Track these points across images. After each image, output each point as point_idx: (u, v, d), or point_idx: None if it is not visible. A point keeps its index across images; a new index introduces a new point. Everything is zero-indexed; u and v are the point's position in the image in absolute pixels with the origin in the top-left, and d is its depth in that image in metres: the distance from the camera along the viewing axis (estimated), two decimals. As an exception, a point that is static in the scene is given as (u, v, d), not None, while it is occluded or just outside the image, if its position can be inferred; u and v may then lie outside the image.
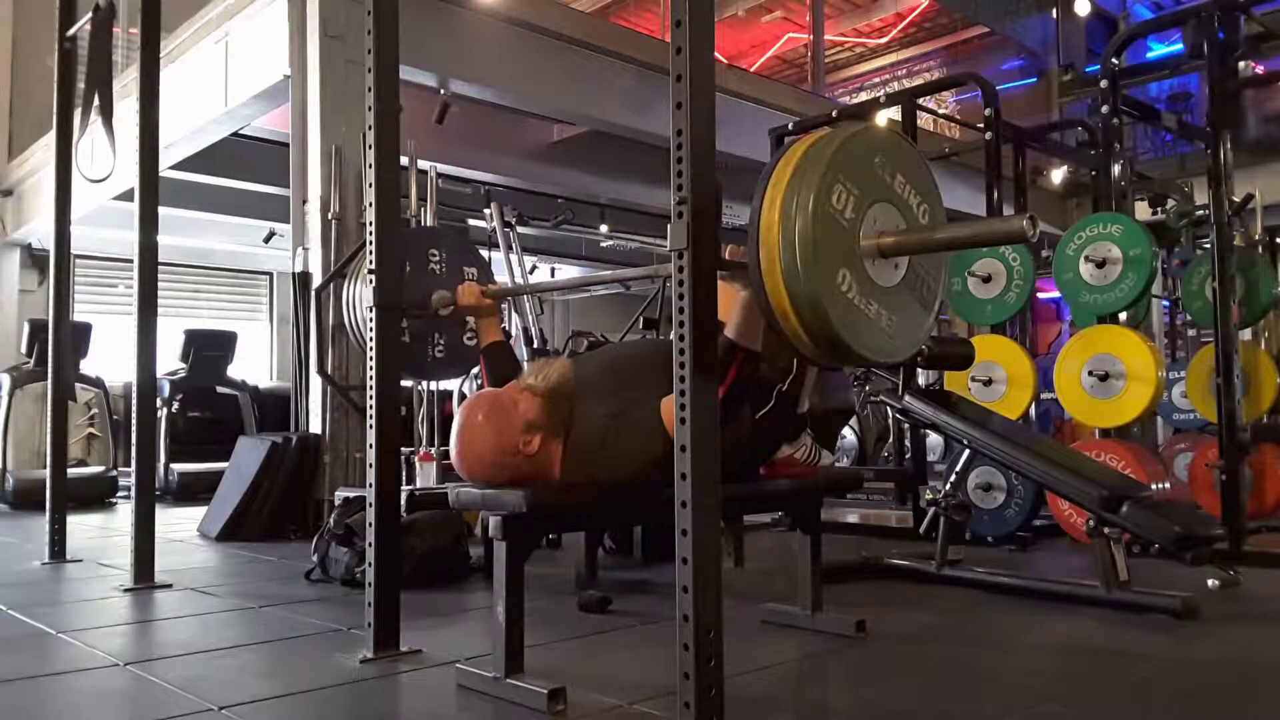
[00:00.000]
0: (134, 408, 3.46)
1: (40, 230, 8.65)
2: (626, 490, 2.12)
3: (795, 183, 1.65)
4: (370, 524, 2.31)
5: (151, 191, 3.54)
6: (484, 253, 5.40)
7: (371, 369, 2.35)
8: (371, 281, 2.36)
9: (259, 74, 5.69)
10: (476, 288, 2.69)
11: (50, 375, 4.14)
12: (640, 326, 5.02)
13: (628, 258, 11.61)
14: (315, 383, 5.02)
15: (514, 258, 5.29)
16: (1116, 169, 4.28)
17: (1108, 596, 2.75)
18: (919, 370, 3.87)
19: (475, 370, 3.96)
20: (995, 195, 4.51)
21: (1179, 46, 4.56)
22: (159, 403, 6.90)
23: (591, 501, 2.18)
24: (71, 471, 4.31)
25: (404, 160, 3.79)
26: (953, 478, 3.41)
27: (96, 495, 7.02)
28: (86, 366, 7.17)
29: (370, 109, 2.38)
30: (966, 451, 3.40)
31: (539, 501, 1.96)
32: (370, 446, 2.33)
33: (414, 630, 2.41)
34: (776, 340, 1.82)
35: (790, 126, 5.37)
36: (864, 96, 16.16)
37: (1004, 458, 3.07)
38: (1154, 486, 3.51)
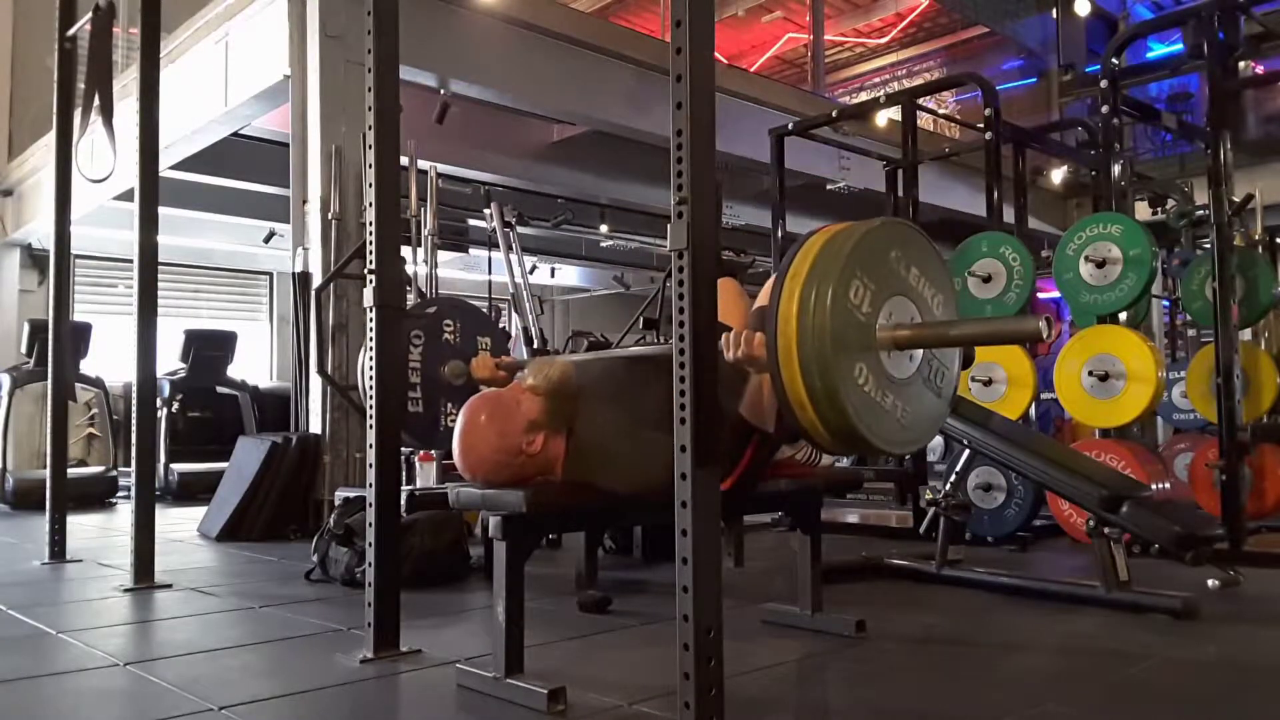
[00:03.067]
0: (134, 408, 3.46)
1: (40, 230, 8.66)
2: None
3: (813, 276, 1.68)
4: (370, 524, 2.31)
5: (151, 191, 3.54)
6: (484, 253, 5.42)
7: (371, 369, 2.35)
8: (371, 282, 2.36)
9: (259, 74, 5.69)
10: (491, 360, 2.69)
11: (50, 375, 4.14)
12: (640, 326, 5.01)
13: (628, 258, 11.62)
14: (315, 383, 5.03)
15: (514, 258, 5.29)
16: (1116, 169, 4.28)
17: (1108, 596, 2.75)
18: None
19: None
20: (995, 195, 4.51)
21: (1179, 46, 4.56)
22: (159, 403, 6.90)
23: (591, 501, 2.18)
24: (71, 471, 4.31)
25: (404, 160, 3.79)
26: (953, 478, 3.41)
27: (96, 495, 7.03)
28: (86, 366, 7.17)
29: (370, 109, 2.38)
30: (966, 451, 3.40)
31: (539, 501, 1.96)
32: (370, 446, 2.33)
33: (414, 630, 2.40)
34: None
35: (790, 126, 5.37)
36: (864, 96, 16.16)
37: (1004, 458, 3.07)
38: (1154, 486, 3.51)
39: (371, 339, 2.37)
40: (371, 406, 2.34)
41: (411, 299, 3.53)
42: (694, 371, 1.60)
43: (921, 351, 1.81)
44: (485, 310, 3.79)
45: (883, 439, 1.73)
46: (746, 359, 1.82)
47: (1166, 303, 5.84)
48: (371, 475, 2.32)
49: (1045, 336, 1.61)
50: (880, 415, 1.72)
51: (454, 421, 3.35)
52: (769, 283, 1.94)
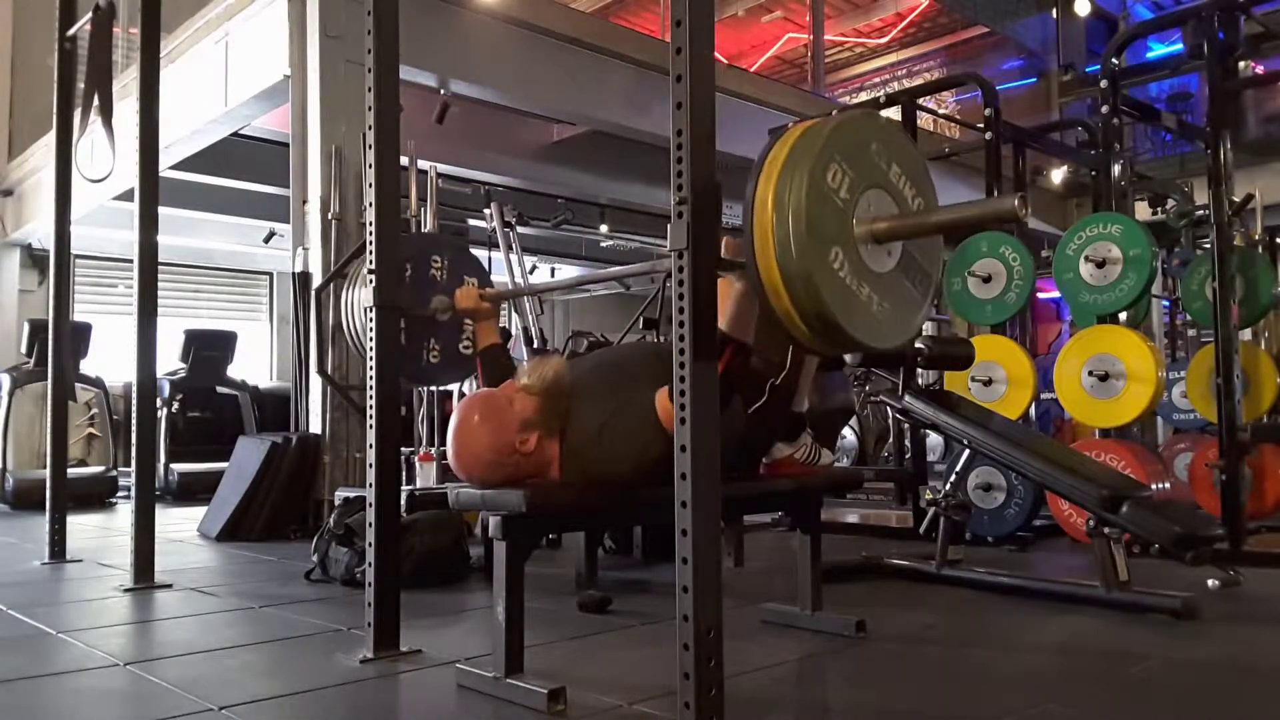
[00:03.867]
0: (134, 408, 3.46)
1: (40, 230, 8.65)
2: (626, 490, 2.12)
3: (791, 160, 1.67)
4: (370, 524, 2.31)
5: (151, 191, 3.54)
6: (484, 253, 5.41)
7: (371, 369, 2.35)
8: (371, 282, 2.36)
9: (259, 74, 5.69)
10: (475, 291, 2.70)
11: (50, 375, 4.14)
12: (640, 326, 5.01)
13: (628, 258, 11.60)
14: (315, 383, 5.03)
15: (514, 258, 5.30)
16: (1116, 169, 4.28)
17: (1108, 596, 2.75)
18: (919, 370, 3.87)
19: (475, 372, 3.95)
20: (995, 195, 4.50)
21: (1179, 46, 4.56)
22: (159, 403, 6.90)
23: (591, 501, 2.18)
24: (71, 471, 4.31)
25: (404, 160, 3.78)
26: (953, 478, 3.41)
27: (96, 495, 7.03)
28: (86, 366, 7.17)
29: (370, 109, 2.38)
30: (966, 451, 3.40)
31: (539, 501, 1.96)
32: (370, 446, 2.33)
33: (414, 630, 2.41)
34: (769, 333, 1.81)
35: (790, 126, 5.37)
36: (864, 96, 16.15)
37: (1004, 458, 3.07)
38: (1154, 486, 3.51)
39: (371, 339, 2.37)
40: (371, 406, 2.34)
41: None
42: (694, 371, 1.60)
43: (901, 247, 1.79)
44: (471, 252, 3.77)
45: (859, 330, 1.70)
46: (720, 265, 1.81)
47: (1166, 303, 5.84)
48: (371, 475, 2.32)
49: (1022, 215, 1.60)
50: (856, 305, 1.70)
51: (436, 358, 3.35)
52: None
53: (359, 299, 3.69)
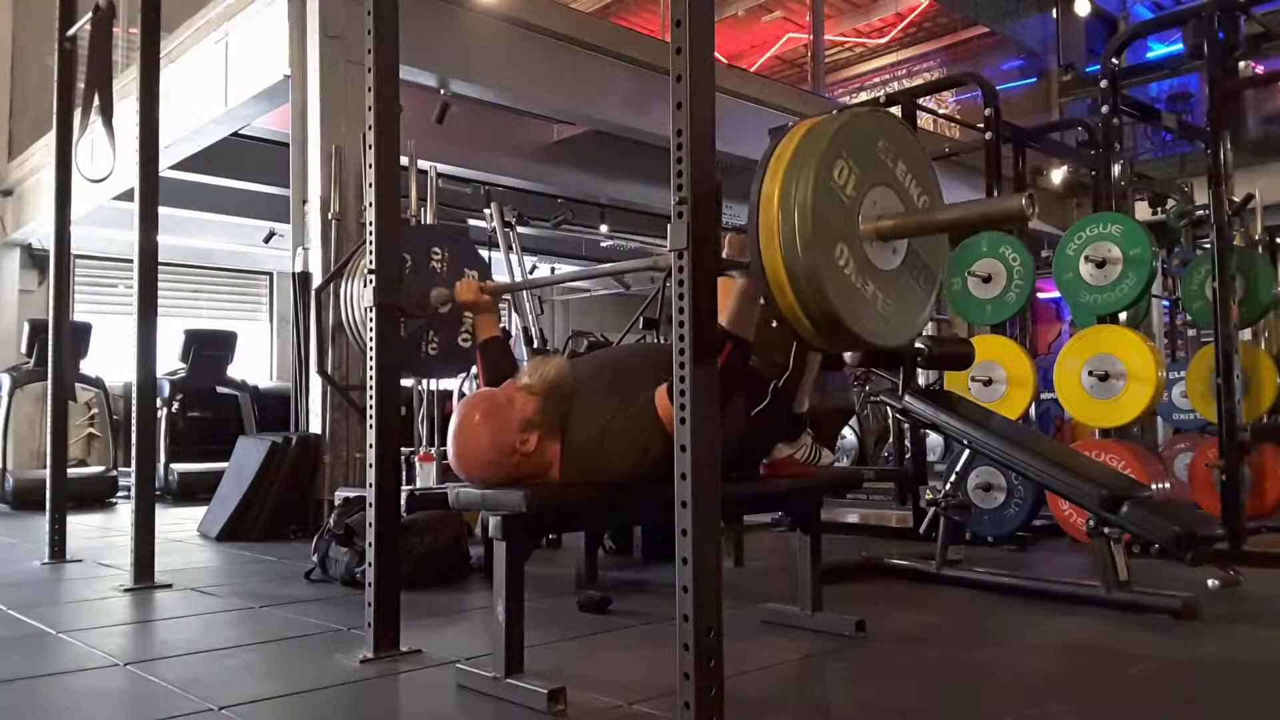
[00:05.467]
0: (134, 408, 3.46)
1: (40, 230, 8.65)
2: (626, 490, 2.12)
3: (798, 156, 1.67)
4: (370, 524, 2.31)
5: (151, 191, 3.54)
6: (484, 253, 5.41)
7: (371, 369, 2.35)
8: (371, 281, 2.36)
9: (259, 74, 5.69)
10: (475, 284, 2.69)
11: (50, 375, 4.14)
12: (640, 326, 5.01)
13: (627, 258, 11.60)
14: (315, 383, 5.03)
15: (514, 258, 5.29)
16: (1116, 169, 4.28)
17: (1108, 596, 2.75)
18: (919, 370, 3.87)
19: (474, 370, 3.96)
20: (995, 195, 4.51)
21: (1179, 46, 4.57)
22: (159, 403, 6.90)
23: (591, 501, 2.18)
24: (71, 471, 4.31)
25: (404, 160, 3.78)
26: (953, 478, 3.41)
27: (96, 495, 7.02)
28: (86, 366, 7.17)
29: (370, 109, 2.38)
30: (966, 451, 3.40)
31: (539, 501, 1.96)
32: (370, 446, 2.33)
33: (414, 630, 2.41)
34: (772, 334, 1.81)
35: (790, 126, 5.36)
36: (864, 96, 16.15)
37: (1004, 458, 3.07)
38: (1154, 486, 3.51)
39: (371, 339, 2.37)
40: (371, 406, 2.34)
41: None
42: (694, 371, 1.60)
43: (906, 245, 1.78)
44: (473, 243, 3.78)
45: (863, 327, 1.70)
46: (725, 263, 1.82)
47: (1166, 303, 5.84)
48: (371, 475, 2.32)
49: (1029, 214, 1.60)
50: (861, 302, 1.69)
51: (435, 350, 3.35)
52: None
53: (358, 292, 3.70)
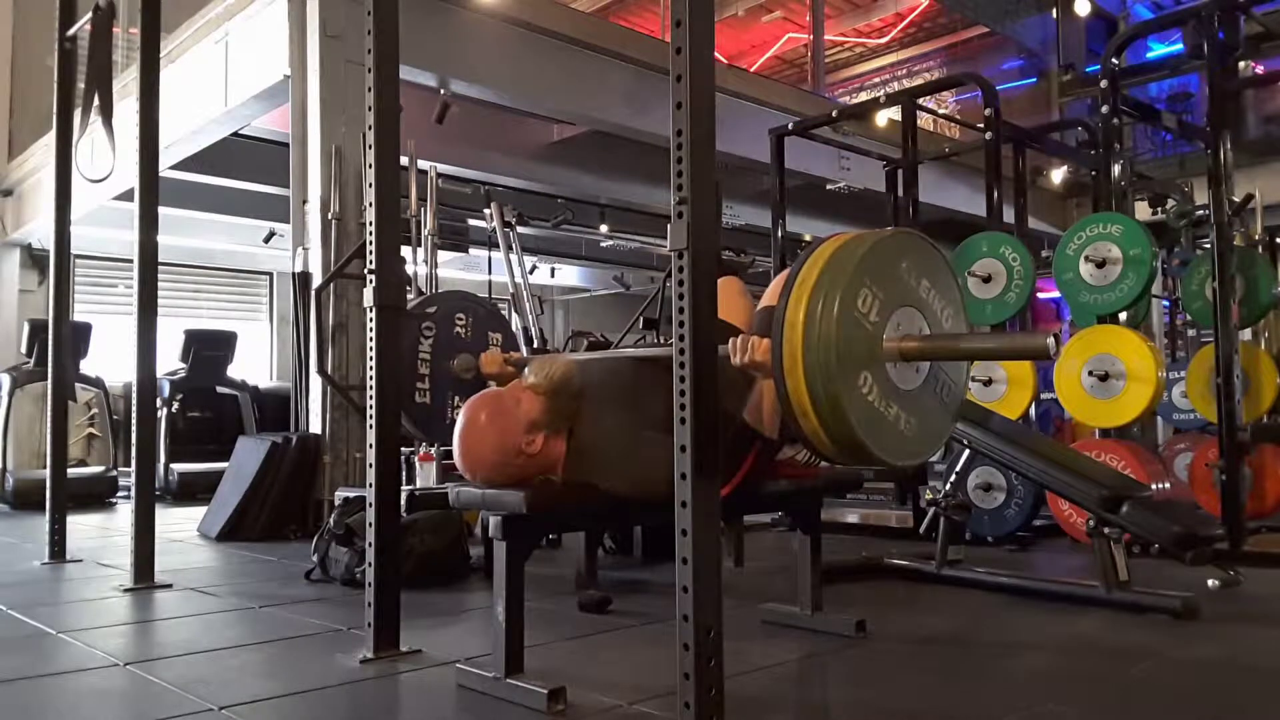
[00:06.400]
0: (134, 408, 3.46)
1: (40, 230, 8.65)
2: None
3: (822, 283, 1.67)
4: (370, 524, 2.31)
5: (151, 191, 3.54)
6: (484, 253, 5.43)
7: (371, 369, 2.35)
8: (371, 281, 2.36)
9: (259, 74, 5.69)
10: (499, 355, 2.69)
11: (50, 375, 4.14)
12: (640, 327, 5.01)
13: (627, 258, 11.61)
14: (315, 383, 5.02)
15: (514, 258, 5.29)
16: (1116, 169, 4.28)
17: (1108, 596, 2.75)
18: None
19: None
20: (995, 195, 4.51)
21: (1179, 46, 4.57)
22: (159, 403, 6.90)
23: (591, 501, 2.18)
24: (71, 471, 4.31)
25: (404, 160, 3.79)
26: (953, 478, 3.41)
27: (96, 495, 7.02)
28: (86, 366, 7.17)
29: (370, 109, 2.38)
30: (966, 451, 3.40)
31: (539, 501, 1.96)
32: (370, 446, 2.33)
33: (414, 630, 2.41)
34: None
35: (790, 126, 5.37)
36: (864, 96, 16.16)
37: (1004, 458, 3.07)
38: (1154, 486, 3.50)
39: (371, 339, 2.36)
40: (371, 406, 2.34)
41: (411, 299, 3.53)
42: (694, 372, 1.60)
43: (929, 364, 1.79)
44: (498, 308, 3.77)
45: (885, 450, 1.71)
46: (752, 365, 1.82)
47: (1166, 303, 5.84)
48: (371, 475, 2.32)
49: (1052, 355, 1.61)
50: (884, 426, 1.71)
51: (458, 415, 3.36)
52: (775, 282, 1.94)
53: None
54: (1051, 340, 1.61)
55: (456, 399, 3.32)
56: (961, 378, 1.89)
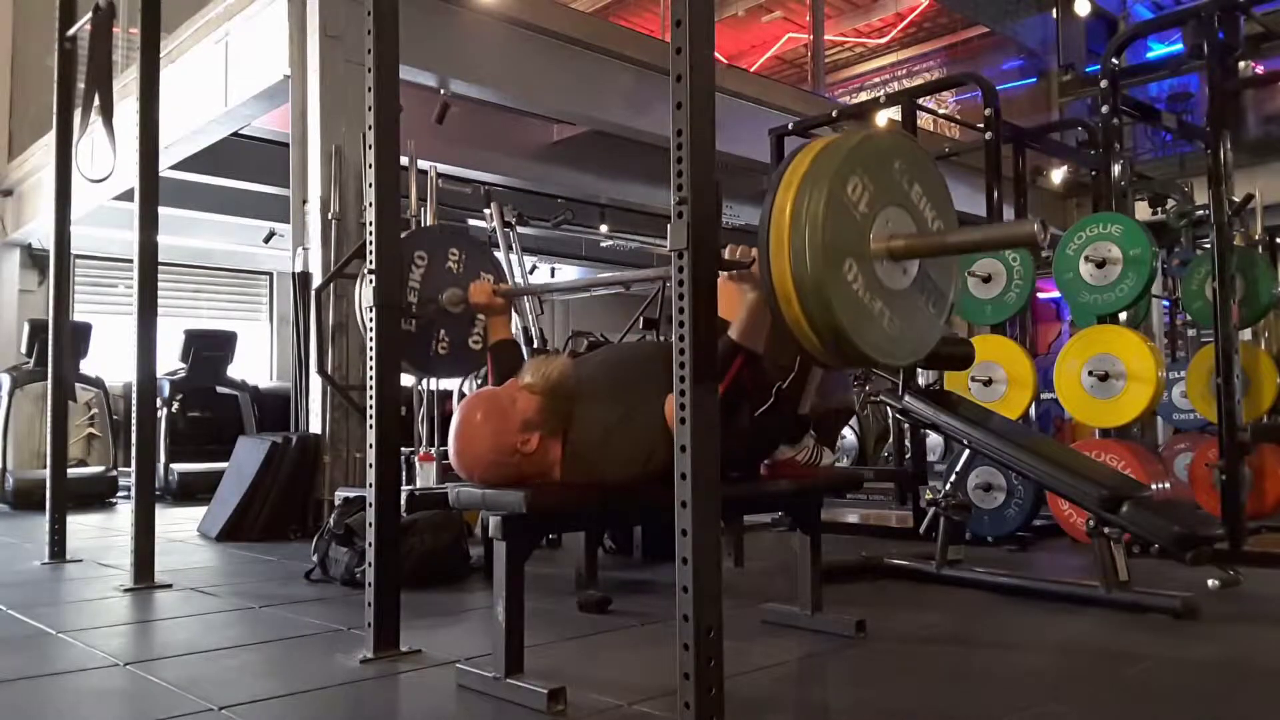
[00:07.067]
0: (134, 408, 3.46)
1: (40, 230, 8.65)
2: (626, 490, 2.12)
3: (813, 170, 1.67)
4: (370, 524, 2.31)
5: (151, 191, 3.54)
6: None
7: (371, 369, 2.35)
8: (371, 281, 2.36)
9: (259, 74, 5.69)
10: (489, 286, 2.71)
11: (50, 375, 4.14)
12: (640, 326, 5.01)
13: (628, 258, 11.61)
14: (315, 383, 5.02)
15: (514, 258, 5.29)
16: (1116, 169, 4.28)
17: (1108, 596, 2.75)
18: (919, 370, 3.87)
19: (481, 371, 3.95)
20: (995, 195, 4.51)
21: (1179, 46, 4.57)
22: (159, 403, 6.90)
23: (591, 501, 2.18)
24: (71, 471, 4.31)
25: (404, 160, 3.78)
26: (953, 478, 3.42)
27: (96, 495, 7.02)
28: (86, 366, 7.17)
29: (370, 109, 2.38)
30: (966, 451, 3.40)
31: (539, 501, 1.96)
32: (370, 446, 2.33)
33: (414, 630, 2.41)
34: (779, 338, 1.81)
35: (790, 126, 5.37)
36: (864, 96, 16.14)
37: (1004, 458, 3.07)
38: (1154, 486, 3.51)
39: (371, 339, 2.36)
40: (371, 406, 2.34)
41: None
42: (694, 372, 1.60)
43: (918, 266, 1.78)
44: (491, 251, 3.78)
45: (868, 344, 1.70)
46: (741, 274, 1.85)
47: (1166, 303, 5.84)
48: (371, 475, 2.32)
49: (1041, 240, 1.60)
50: (867, 319, 1.69)
51: (444, 349, 3.36)
52: None
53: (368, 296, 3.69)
54: (1039, 225, 1.60)
55: (443, 332, 3.31)
56: (951, 286, 1.89)
